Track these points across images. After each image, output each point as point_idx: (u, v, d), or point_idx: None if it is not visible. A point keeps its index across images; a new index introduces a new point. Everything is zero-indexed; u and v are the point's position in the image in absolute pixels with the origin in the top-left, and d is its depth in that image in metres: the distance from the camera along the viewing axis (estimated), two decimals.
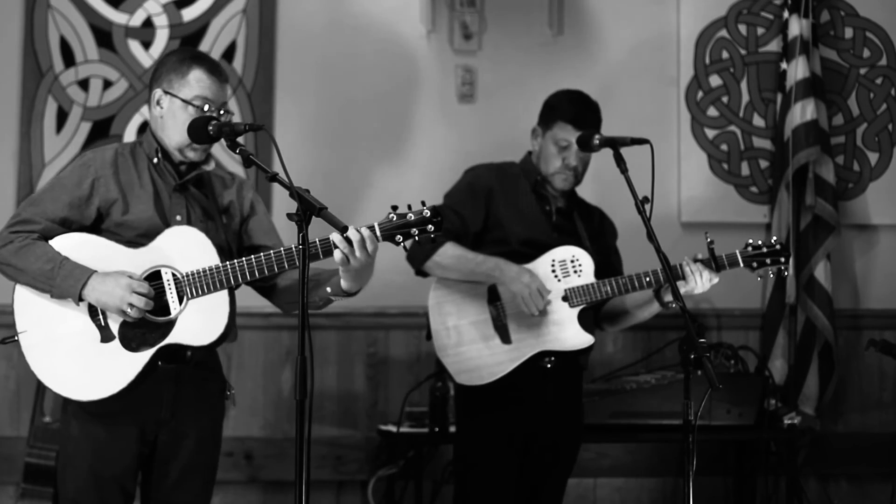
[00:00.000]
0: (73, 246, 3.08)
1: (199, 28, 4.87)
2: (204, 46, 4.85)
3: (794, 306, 4.90)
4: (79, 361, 3.05)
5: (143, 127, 4.82)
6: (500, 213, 3.82)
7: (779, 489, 4.80)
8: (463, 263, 3.73)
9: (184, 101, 3.14)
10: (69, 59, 4.80)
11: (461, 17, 4.95)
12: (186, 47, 3.24)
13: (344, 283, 3.07)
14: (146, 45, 4.84)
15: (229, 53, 4.87)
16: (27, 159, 4.75)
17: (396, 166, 4.88)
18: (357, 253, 2.91)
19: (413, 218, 2.98)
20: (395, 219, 2.99)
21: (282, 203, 4.71)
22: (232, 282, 3.06)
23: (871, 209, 5.09)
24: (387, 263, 4.33)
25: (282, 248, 3.07)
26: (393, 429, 4.50)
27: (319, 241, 2.99)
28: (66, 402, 3.13)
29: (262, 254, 3.06)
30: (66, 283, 3.01)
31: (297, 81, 4.90)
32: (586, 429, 4.13)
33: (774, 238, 3.79)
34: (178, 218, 3.16)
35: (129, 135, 4.79)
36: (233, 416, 4.77)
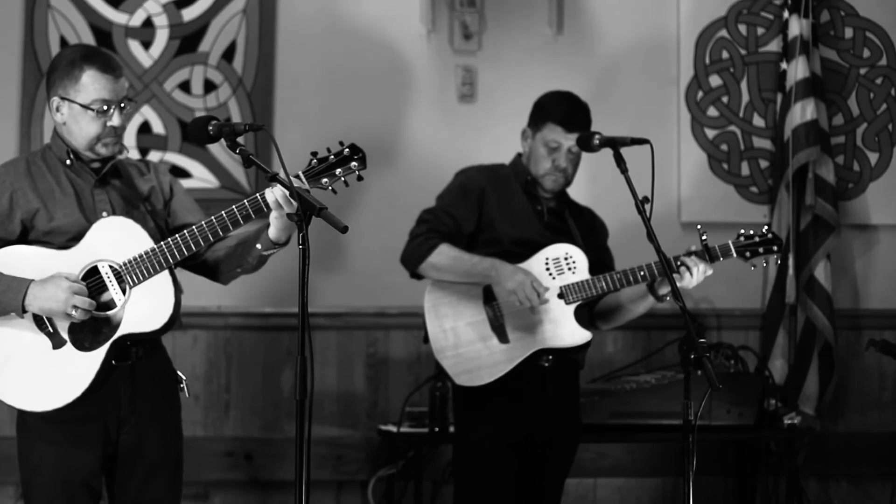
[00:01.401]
0: (4, 260, 3.05)
1: (199, 28, 4.87)
2: (204, 46, 4.85)
3: (794, 306, 4.90)
4: (35, 373, 3.03)
5: (144, 127, 4.82)
6: (493, 213, 3.82)
7: (779, 489, 4.80)
8: (458, 264, 3.73)
9: (82, 105, 3.10)
10: None
11: (461, 17, 4.95)
12: (75, 45, 3.17)
13: (272, 233, 3.04)
14: (146, 45, 4.84)
15: (229, 53, 4.87)
16: None
17: (396, 166, 4.87)
18: (293, 203, 2.86)
19: (334, 159, 2.95)
20: (316, 163, 2.96)
21: None
22: (170, 260, 3.04)
23: (871, 209, 5.09)
24: (387, 264, 4.34)
25: (212, 217, 3.04)
26: (393, 429, 4.50)
27: (248, 200, 2.99)
28: (23, 415, 3.10)
29: (193, 226, 3.04)
30: (5, 297, 2.99)
31: (297, 81, 4.90)
32: (586, 429, 4.13)
33: (766, 227, 3.79)
34: (105, 214, 3.13)
35: (129, 135, 4.78)
36: (233, 416, 4.77)
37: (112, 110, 3.11)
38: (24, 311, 3.01)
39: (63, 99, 3.12)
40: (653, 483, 4.98)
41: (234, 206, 3.01)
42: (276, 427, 4.79)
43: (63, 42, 4.79)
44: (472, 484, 3.78)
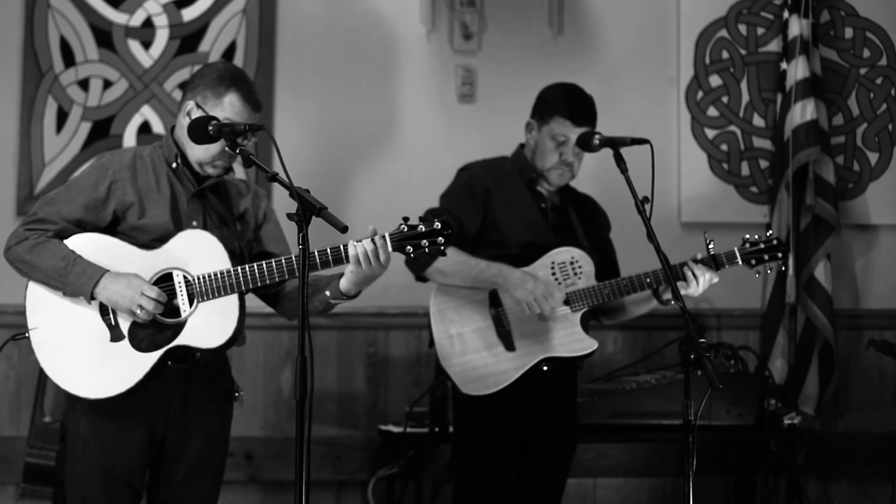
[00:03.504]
0: (87, 245, 3.10)
1: (199, 28, 4.87)
2: (204, 46, 4.85)
3: (794, 306, 4.90)
4: (88, 359, 3.07)
5: (144, 127, 4.82)
6: (498, 214, 3.81)
7: (779, 489, 4.80)
8: (465, 270, 3.71)
9: None
10: (69, 59, 4.80)
11: (461, 17, 4.95)
12: (229, 65, 3.29)
13: (344, 284, 3.11)
14: (146, 45, 4.84)
15: (229, 53, 4.87)
16: (27, 159, 4.75)
17: (396, 166, 4.87)
18: (371, 262, 2.98)
19: (423, 230, 3.03)
20: (405, 230, 3.04)
21: (282, 203, 4.69)
22: (243, 286, 3.09)
23: (871, 209, 5.09)
24: None
25: (292, 255, 3.10)
26: (393, 429, 4.50)
27: (331, 249, 3.05)
28: (75, 401, 3.14)
29: (272, 259, 3.09)
30: (78, 280, 3.03)
31: (297, 81, 4.90)
32: (587, 429, 4.13)
33: (770, 232, 3.78)
34: (195, 224, 3.18)
35: (129, 135, 4.79)
36: (233, 416, 4.76)
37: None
38: (93, 298, 3.04)
39: (199, 107, 3.17)
40: (653, 483, 4.98)
41: (315, 251, 3.04)
42: (276, 427, 4.80)
43: (63, 42, 4.79)
44: (471, 484, 3.78)
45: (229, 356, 4.71)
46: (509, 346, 3.71)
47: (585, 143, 3.59)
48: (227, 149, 3.12)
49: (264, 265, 3.08)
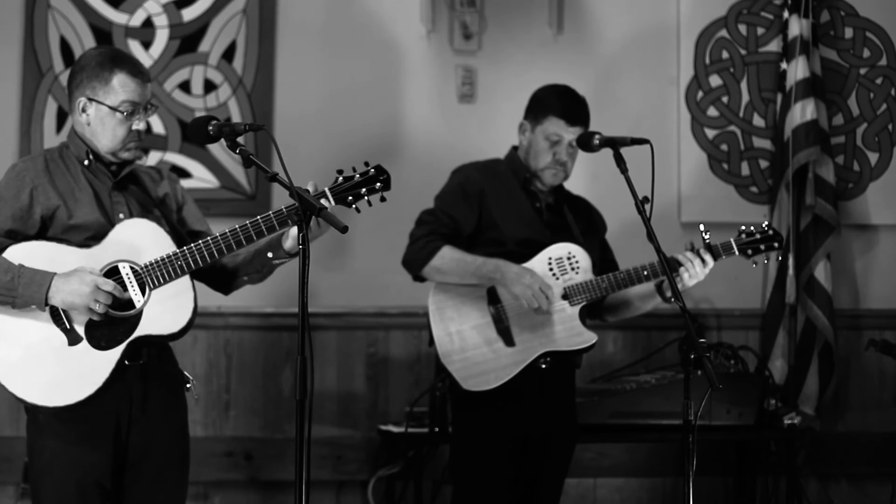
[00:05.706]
0: (26, 255, 3.04)
1: (199, 28, 4.87)
2: (204, 46, 4.85)
3: (794, 306, 4.90)
4: (50, 369, 3.02)
5: None
6: (494, 213, 3.82)
7: (779, 489, 4.80)
8: (462, 267, 3.72)
9: (111, 107, 3.11)
10: (69, 59, 4.79)
11: (461, 17, 4.95)
12: (102, 48, 3.23)
13: (289, 244, 3.10)
14: (146, 45, 4.84)
15: (229, 53, 4.87)
16: None
17: (396, 166, 4.84)
18: (319, 224, 2.95)
19: (360, 178, 3.03)
20: (341, 181, 3.03)
21: (282, 203, 4.70)
22: (192, 266, 3.05)
23: (871, 209, 5.09)
24: (387, 264, 4.34)
25: (237, 227, 3.06)
26: (393, 429, 4.50)
27: (273, 213, 3.03)
28: (35, 412, 3.09)
29: (218, 234, 3.07)
30: (28, 290, 2.98)
31: (297, 81, 4.90)
32: (586, 429, 4.13)
33: (766, 223, 3.78)
34: (122, 216, 3.14)
35: None
36: (233, 416, 4.77)
37: (138, 114, 3.13)
38: (47, 305, 3.00)
39: (91, 100, 3.13)
40: (653, 483, 4.98)
41: (258, 218, 3.03)
42: (276, 427, 4.79)
43: (63, 42, 4.79)
44: (469, 484, 3.78)
45: (229, 356, 4.73)
46: (509, 341, 3.72)
47: (586, 144, 3.58)
48: (134, 127, 3.10)
49: (210, 241, 3.05)
